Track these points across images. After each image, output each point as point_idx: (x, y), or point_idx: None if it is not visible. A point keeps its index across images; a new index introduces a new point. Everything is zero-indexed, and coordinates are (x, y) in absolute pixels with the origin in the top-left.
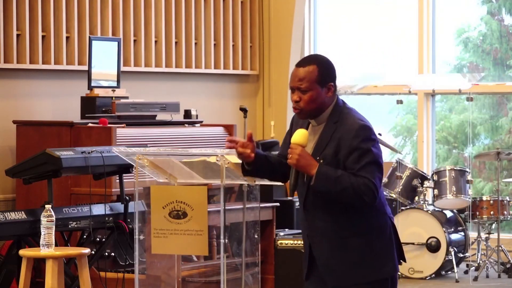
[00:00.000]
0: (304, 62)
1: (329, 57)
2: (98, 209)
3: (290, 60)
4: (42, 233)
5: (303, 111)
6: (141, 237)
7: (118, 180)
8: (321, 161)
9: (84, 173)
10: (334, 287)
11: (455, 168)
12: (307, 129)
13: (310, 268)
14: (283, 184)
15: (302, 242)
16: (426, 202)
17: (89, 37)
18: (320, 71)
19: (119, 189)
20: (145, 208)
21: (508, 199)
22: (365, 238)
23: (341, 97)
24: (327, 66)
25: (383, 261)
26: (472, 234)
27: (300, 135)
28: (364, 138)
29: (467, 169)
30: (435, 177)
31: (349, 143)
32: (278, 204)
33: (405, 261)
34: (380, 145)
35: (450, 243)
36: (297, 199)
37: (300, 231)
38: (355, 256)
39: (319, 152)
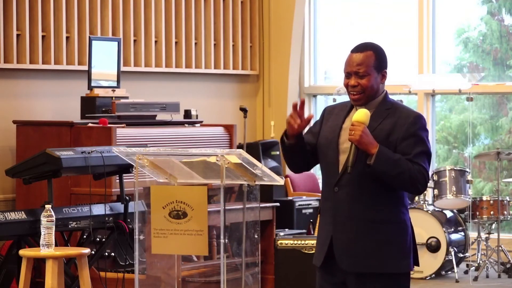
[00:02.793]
0: (360, 48)
1: (329, 57)
2: (98, 209)
3: (290, 60)
4: (42, 233)
5: (363, 95)
6: (141, 237)
7: (118, 180)
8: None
9: (84, 173)
10: (352, 273)
11: (455, 168)
12: (347, 114)
13: (328, 253)
14: (283, 184)
15: (318, 226)
16: (426, 202)
17: (89, 37)
18: (377, 56)
19: (119, 189)
20: (145, 208)
21: (508, 199)
22: (391, 227)
23: (340, 97)
24: (383, 52)
25: (401, 254)
26: (472, 234)
27: (362, 114)
28: (422, 127)
29: (467, 169)
30: (435, 177)
31: (406, 128)
32: (278, 204)
33: (418, 265)
34: None
35: (450, 243)
36: (297, 199)
37: (300, 231)
38: (378, 243)
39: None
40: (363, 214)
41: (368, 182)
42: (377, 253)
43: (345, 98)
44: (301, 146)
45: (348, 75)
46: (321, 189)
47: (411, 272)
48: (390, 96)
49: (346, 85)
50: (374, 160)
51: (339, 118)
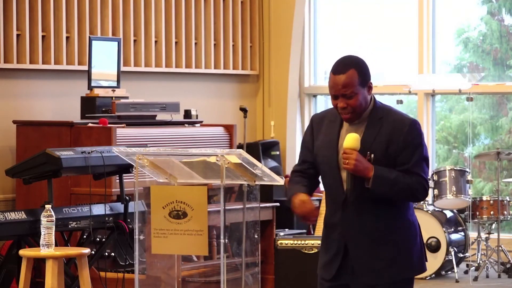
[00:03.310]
0: (341, 68)
1: (329, 57)
2: (98, 209)
3: (290, 60)
4: (42, 233)
5: (354, 114)
6: (141, 237)
7: (118, 180)
8: (371, 155)
9: (84, 173)
10: (370, 285)
11: (455, 168)
12: (340, 127)
13: (340, 268)
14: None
15: (321, 243)
16: (426, 202)
17: (89, 37)
18: (359, 73)
19: (119, 189)
20: (145, 208)
21: (508, 199)
22: (403, 233)
23: None
24: (364, 65)
25: (416, 258)
26: (472, 234)
27: (352, 139)
28: (417, 134)
29: (467, 169)
30: (435, 177)
31: (403, 138)
32: (278, 204)
33: (426, 260)
34: None
35: (450, 243)
36: None
37: (300, 231)
38: (393, 252)
39: (367, 147)
40: (375, 226)
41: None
42: (393, 263)
43: None
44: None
45: (335, 97)
46: (324, 203)
47: None
48: (387, 96)
49: (335, 106)
50: (372, 183)
51: (332, 132)
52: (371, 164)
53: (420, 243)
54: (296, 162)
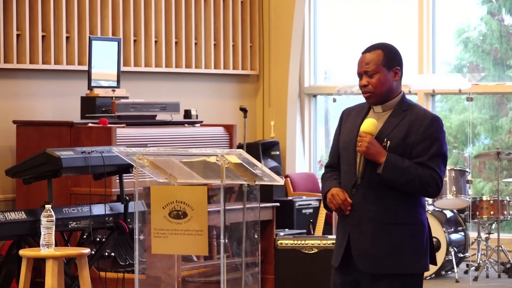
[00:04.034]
0: (370, 47)
1: (329, 57)
2: (98, 209)
3: (290, 60)
4: (42, 233)
5: (373, 94)
6: (141, 237)
7: (118, 180)
8: (388, 142)
9: (84, 173)
10: (367, 274)
11: (455, 168)
12: (365, 116)
13: (345, 254)
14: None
15: (336, 227)
16: (426, 202)
17: (89, 37)
18: (385, 54)
19: (119, 189)
20: (145, 208)
21: (508, 199)
22: (407, 228)
23: (340, 97)
24: (393, 50)
25: (417, 255)
26: (472, 234)
27: (369, 124)
28: (438, 129)
29: (467, 169)
30: None
31: (422, 130)
32: (278, 204)
33: (435, 264)
34: None
35: (450, 243)
36: (297, 199)
37: (300, 231)
38: (394, 244)
39: (386, 134)
40: (379, 215)
41: (383, 185)
42: (393, 255)
43: (345, 98)
44: None
45: (359, 75)
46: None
47: None
48: None
49: (360, 86)
50: (382, 169)
51: (356, 120)
52: (386, 151)
53: (425, 242)
54: (296, 162)
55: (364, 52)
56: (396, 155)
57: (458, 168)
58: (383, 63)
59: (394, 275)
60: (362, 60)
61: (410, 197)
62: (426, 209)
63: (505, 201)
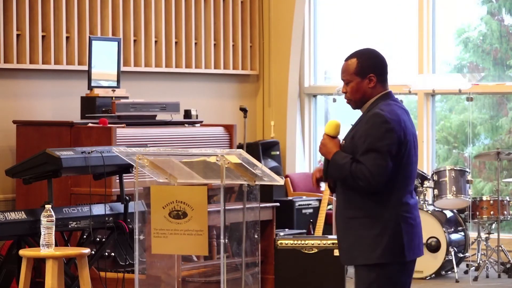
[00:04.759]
0: (348, 56)
1: (329, 57)
2: (98, 209)
3: (290, 60)
4: (42, 233)
5: (351, 101)
6: (141, 237)
7: (118, 180)
8: (343, 142)
9: (84, 173)
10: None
11: (455, 168)
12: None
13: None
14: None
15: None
16: (426, 202)
17: (89, 37)
18: (359, 63)
19: (119, 189)
20: (145, 208)
21: (508, 199)
22: (363, 222)
23: (340, 97)
24: (368, 57)
25: (372, 247)
26: (472, 234)
27: (328, 125)
28: (372, 125)
29: (467, 169)
30: (435, 177)
31: (362, 128)
32: (278, 204)
33: (404, 258)
34: None
35: (450, 243)
36: (297, 199)
37: (300, 231)
38: (353, 237)
39: (345, 136)
40: (345, 212)
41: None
42: (353, 247)
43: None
44: None
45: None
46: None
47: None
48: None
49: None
50: (328, 167)
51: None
52: (339, 149)
53: (382, 233)
54: (296, 162)
55: (345, 60)
56: (348, 153)
57: (458, 168)
58: (356, 71)
59: (358, 266)
60: (341, 68)
61: (371, 195)
62: (426, 209)
63: (505, 201)
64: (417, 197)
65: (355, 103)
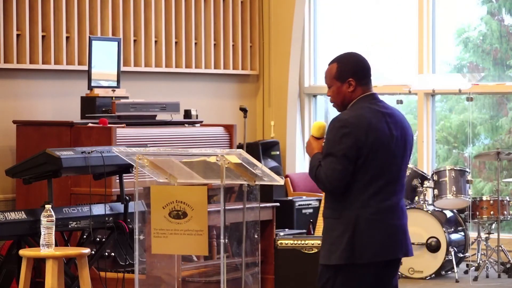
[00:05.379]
0: (331, 61)
1: (329, 57)
2: (98, 209)
3: (290, 60)
4: (42, 233)
5: (334, 104)
6: (141, 237)
7: (118, 180)
8: (323, 144)
9: (84, 173)
10: None
11: (455, 168)
12: None
13: None
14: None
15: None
16: (426, 202)
17: (89, 37)
18: (339, 68)
19: (119, 189)
20: (145, 208)
21: (508, 199)
22: (330, 222)
23: None
24: (348, 62)
25: (333, 248)
26: (472, 234)
27: (314, 127)
28: (331, 129)
29: (467, 169)
30: (435, 177)
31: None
32: (278, 204)
33: (361, 259)
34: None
35: (450, 243)
36: (297, 199)
37: (300, 231)
38: (324, 237)
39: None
40: (325, 210)
41: None
42: (322, 246)
43: None
44: None
45: None
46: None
47: (411, 273)
48: (387, 96)
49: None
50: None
51: None
52: (320, 151)
53: (343, 235)
54: (296, 162)
55: (328, 64)
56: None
57: (458, 168)
58: (335, 76)
59: (321, 264)
60: (324, 73)
61: (340, 196)
62: (426, 209)
63: (505, 201)
64: (417, 197)
65: (338, 105)
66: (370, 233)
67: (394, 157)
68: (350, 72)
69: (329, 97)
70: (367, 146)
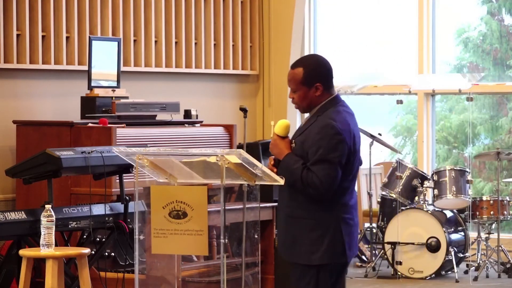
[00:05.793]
0: (294, 64)
1: (328, 57)
2: (98, 209)
3: (290, 60)
4: (42, 233)
5: (299, 106)
6: (141, 237)
7: (118, 180)
8: (293, 143)
9: (84, 173)
10: (290, 263)
11: (455, 168)
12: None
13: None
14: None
15: None
16: (426, 202)
17: (89, 37)
18: (305, 73)
19: (119, 189)
20: (145, 208)
21: (508, 199)
22: (304, 222)
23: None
24: (314, 67)
25: (314, 248)
26: (472, 234)
27: (278, 125)
28: (325, 136)
29: (467, 169)
30: (435, 177)
31: (313, 137)
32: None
33: (347, 258)
34: (381, 145)
35: (450, 243)
36: None
37: None
38: (296, 236)
39: (295, 137)
40: (289, 209)
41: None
42: (294, 246)
43: (345, 98)
44: None
45: None
46: None
47: (411, 273)
48: (387, 96)
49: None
50: (278, 168)
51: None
52: (290, 150)
53: (322, 236)
54: None
55: (291, 67)
56: (297, 156)
57: (458, 168)
58: (302, 81)
59: (295, 264)
60: (287, 76)
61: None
62: (426, 209)
63: (505, 201)
64: (417, 197)
65: (303, 108)
66: (349, 232)
67: (358, 156)
68: (317, 77)
69: (292, 99)
70: (351, 151)
